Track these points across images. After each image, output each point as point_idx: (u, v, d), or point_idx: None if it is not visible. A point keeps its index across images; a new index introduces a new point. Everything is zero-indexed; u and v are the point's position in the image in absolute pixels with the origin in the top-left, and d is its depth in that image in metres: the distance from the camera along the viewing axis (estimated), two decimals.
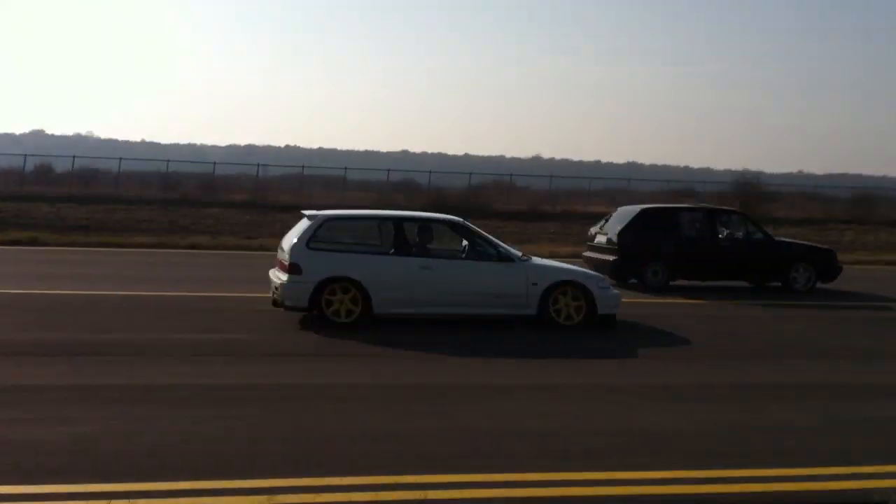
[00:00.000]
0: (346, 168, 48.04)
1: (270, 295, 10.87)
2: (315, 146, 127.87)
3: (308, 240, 10.61)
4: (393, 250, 11.00)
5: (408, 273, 10.75)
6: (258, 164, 47.86)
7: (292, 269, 10.44)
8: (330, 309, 10.39)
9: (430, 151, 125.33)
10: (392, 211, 14.53)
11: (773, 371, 9.38)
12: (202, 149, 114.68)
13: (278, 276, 10.69)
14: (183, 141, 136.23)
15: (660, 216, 16.81)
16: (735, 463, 5.75)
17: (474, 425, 6.58)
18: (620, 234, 15.78)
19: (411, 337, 10.08)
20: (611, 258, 15.73)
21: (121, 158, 45.04)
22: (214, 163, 49.46)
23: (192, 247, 22.80)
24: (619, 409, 7.20)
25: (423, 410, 6.98)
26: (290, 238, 10.88)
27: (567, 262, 13.13)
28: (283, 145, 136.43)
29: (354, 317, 10.42)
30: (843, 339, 11.67)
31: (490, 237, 11.54)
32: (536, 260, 11.71)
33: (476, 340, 10.10)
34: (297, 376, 8.18)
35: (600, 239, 16.63)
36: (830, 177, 79.26)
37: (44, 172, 46.62)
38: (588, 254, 17.03)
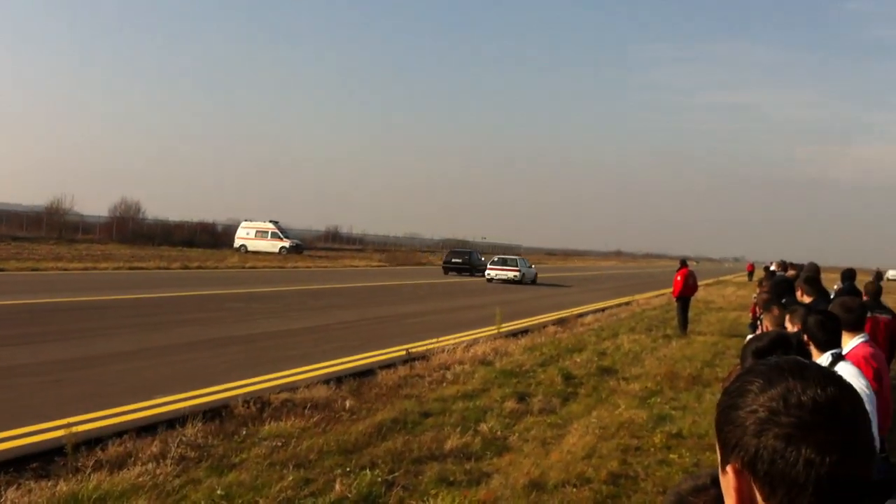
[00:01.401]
0: None
1: (489, 277, 43.19)
2: None
3: (503, 262, 44.85)
4: (499, 260, 45.90)
5: (522, 269, 44.03)
6: None
7: (516, 272, 43.30)
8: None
9: None
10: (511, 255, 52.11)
11: None
12: None
13: (504, 272, 43.00)
14: None
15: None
16: None
17: None
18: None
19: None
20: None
21: None
22: None
23: None
24: None
25: None
26: (498, 264, 44.36)
27: None
28: None
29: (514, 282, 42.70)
30: None
31: (525, 259, 49.63)
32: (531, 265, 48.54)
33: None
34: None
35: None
36: None
37: None
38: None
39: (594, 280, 56.89)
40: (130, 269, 35.39)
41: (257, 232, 66.51)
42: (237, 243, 66.12)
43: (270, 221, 67.16)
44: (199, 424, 7.94)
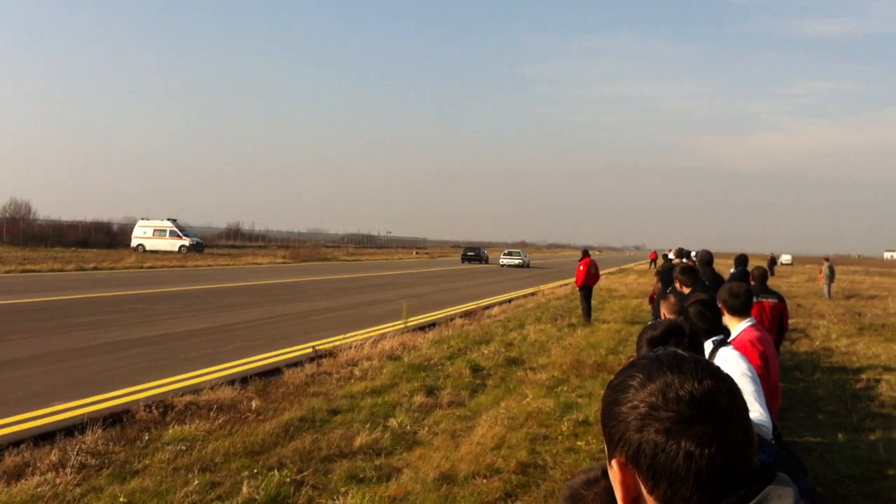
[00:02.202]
0: None
1: (502, 264, 67.63)
2: None
3: (510, 253, 71.50)
4: (507, 252, 73.20)
5: (523, 258, 70.37)
6: None
7: (520, 260, 69.20)
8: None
9: None
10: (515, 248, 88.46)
11: None
12: None
13: (512, 259, 68.09)
14: None
15: None
16: None
17: None
18: None
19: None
20: None
21: None
22: None
23: None
24: None
25: None
26: (507, 255, 70.14)
27: None
28: None
29: (519, 266, 68.58)
30: None
31: (523, 252, 78.94)
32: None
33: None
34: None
35: None
36: None
37: None
38: None
39: (502, 272, 57.53)
40: (23, 271, 34.13)
41: (155, 231, 64.95)
42: (134, 243, 64.48)
43: (168, 220, 65.66)
44: (100, 431, 7.76)
